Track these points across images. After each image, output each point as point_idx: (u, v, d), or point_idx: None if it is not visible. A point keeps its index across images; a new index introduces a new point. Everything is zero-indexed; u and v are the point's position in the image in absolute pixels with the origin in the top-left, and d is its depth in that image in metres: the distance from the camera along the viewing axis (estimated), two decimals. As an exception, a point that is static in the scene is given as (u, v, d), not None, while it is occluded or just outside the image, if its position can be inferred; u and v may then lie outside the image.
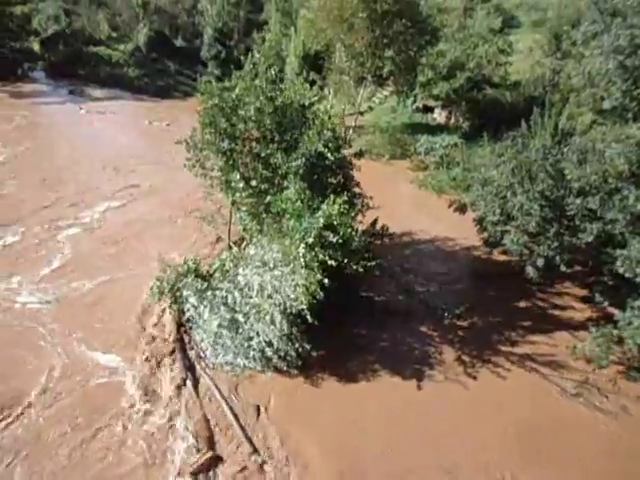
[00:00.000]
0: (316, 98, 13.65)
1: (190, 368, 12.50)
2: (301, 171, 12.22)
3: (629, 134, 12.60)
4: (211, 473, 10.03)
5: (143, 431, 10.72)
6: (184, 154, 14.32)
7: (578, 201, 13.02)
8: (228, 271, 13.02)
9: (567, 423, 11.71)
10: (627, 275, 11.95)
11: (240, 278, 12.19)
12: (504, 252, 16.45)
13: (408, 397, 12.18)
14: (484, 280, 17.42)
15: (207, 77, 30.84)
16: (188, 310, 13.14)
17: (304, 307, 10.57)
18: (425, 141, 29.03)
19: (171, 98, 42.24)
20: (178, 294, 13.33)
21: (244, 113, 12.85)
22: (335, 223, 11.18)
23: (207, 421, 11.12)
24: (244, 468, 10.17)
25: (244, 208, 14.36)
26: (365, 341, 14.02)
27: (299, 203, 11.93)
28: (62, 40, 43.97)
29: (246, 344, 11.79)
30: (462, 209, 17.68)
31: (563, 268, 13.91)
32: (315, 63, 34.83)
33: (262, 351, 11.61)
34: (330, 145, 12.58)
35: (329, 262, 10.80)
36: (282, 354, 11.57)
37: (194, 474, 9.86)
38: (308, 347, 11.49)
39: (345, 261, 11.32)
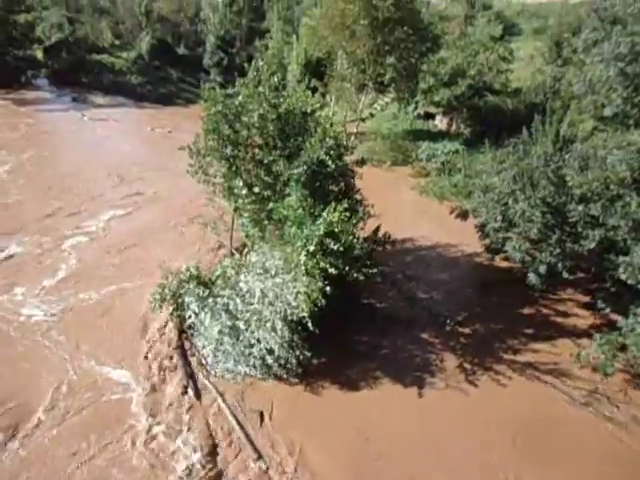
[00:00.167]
0: (318, 105, 13.71)
1: (192, 376, 12.44)
2: (303, 178, 12.23)
3: (630, 141, 12.58)
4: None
5: (148, 447, 10.52)
6: (187, 160, 14.40)
7: (580, 208, 12.98)
8: (230, 278, 12.99)
9: (574, 432, 11.59)
10: (630, 282, 11.88)
11: (242, 285, 12.17)
12: (506, 259, 16.47)
13: (409, 404, 12.11)
14: (486, 287, 17.41)
15: (209, 84, 31.02)
16: (190, 317, 13.12)
17: (305, 314, 10.53)
18: (426, 148, 29.13)
19: (173, 105, 42.58)
20: (180, 301, 13.33)
21: (247, 120, 12.92)
22: (336, 230, 11.18)
23: (210, 431, 10.99)
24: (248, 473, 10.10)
25: (246, 215, 14.39)
26: (366, 348, 13.96)
27: (301, 210, 11.97)
28: (65, 48, 44.47)
29: (247, 351, 11.75)
30: (464, 216, 17.70)
31: (565, 275, 13.87)
32: (317, 70, 35.07)
33: (263, 358, 11.57)
34: (332, 153, 12.59)
35: (330, 270, 10.80)
36: (282, 362, 11.52)
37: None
38: (309, 354, 11.44)
39: (346, 269, 11.31)
